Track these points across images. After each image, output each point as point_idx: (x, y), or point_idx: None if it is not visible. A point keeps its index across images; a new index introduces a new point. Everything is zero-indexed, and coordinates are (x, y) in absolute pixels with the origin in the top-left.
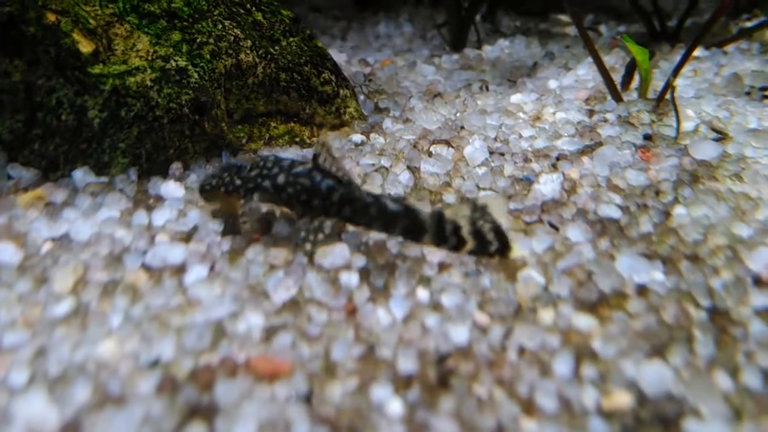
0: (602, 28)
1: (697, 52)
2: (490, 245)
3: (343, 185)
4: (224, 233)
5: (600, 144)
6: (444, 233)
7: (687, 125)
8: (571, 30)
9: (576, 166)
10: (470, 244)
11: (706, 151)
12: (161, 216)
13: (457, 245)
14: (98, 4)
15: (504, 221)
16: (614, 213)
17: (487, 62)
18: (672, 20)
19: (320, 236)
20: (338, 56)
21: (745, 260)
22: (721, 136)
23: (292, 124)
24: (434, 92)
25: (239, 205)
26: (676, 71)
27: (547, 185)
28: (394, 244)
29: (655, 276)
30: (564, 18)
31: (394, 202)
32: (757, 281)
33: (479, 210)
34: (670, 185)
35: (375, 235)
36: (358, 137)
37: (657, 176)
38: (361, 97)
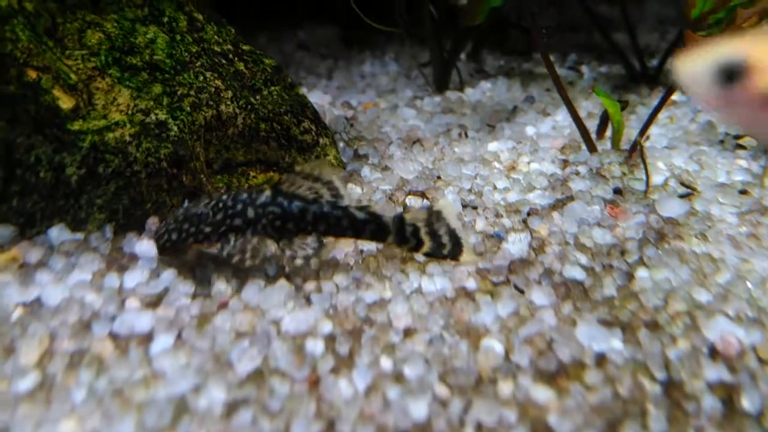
0: (584, 69)
1: (675, 96)
2: (444, 248)
3: (311, 203)
4: (195, 295)
5: (571, 198)
6: (405, 234)
7: (657, 179)
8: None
9: (546, 222)
10: (427, 245)
11: (673, 208)
12: (133, 278)
13: (416, 246)
14: (80, 57)
15: (455, 223)
16: (579, 274)
17: (468, 105)
18: (654, 58)
19: (309, 251)
20: (323, 98)
21: (702, 329)
22: (690, 191)
23: (272, 173)
24: (414, 138)
25: (215, 250)
26: (644, 128)
27: (516, 245)
28: (362, 307)
29: (613, 344)
30: None
31: (360, 211)
32: (713, 352)
33: (435, 214)
34: (636, 244)
35: (343, 298)
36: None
37: (623, 234)
38: (341, 144)
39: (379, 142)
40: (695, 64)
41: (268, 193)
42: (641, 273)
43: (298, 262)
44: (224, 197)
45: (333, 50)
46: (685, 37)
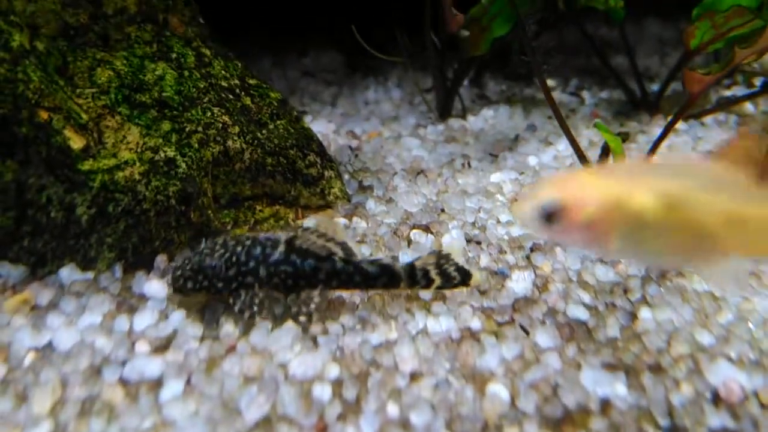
0: (585, 94)
1: (676, 124)
2: (454, 279)
3: (324, 260)
4: (203, 338)
5: None
6: (416, 278)
7: None
8: (555, 96)
9: (549, 258)
10: (437, 281)
11: None
12: (142, 320)
13: (427, 284)
14: (90, 96)
15: (462, 261)
16: (582, 314)
17: (471, 134)
18: (655, 82)
19: (312, 306)
20: (327, 126)
21: (705, 373)
22: None
23: (278, 207)
24: (418, 169)
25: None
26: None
27: (520, 283)
28: (368, 349)
29: (618, 389)
30: (549, 82)
31: (371, 265)
32: (716, 398)
33: (443, 257)
34: (638, 282)
35: (349, 340)
36: (341, 221)
37: (626, 271)
38: (346, 177)
39: (383, 173)
40: (524, 210)
41: (281, 249)
42: (644, 313)
43: (302, 319)
44: (238, 249)
45: (337, 76)
46: (685, 75)
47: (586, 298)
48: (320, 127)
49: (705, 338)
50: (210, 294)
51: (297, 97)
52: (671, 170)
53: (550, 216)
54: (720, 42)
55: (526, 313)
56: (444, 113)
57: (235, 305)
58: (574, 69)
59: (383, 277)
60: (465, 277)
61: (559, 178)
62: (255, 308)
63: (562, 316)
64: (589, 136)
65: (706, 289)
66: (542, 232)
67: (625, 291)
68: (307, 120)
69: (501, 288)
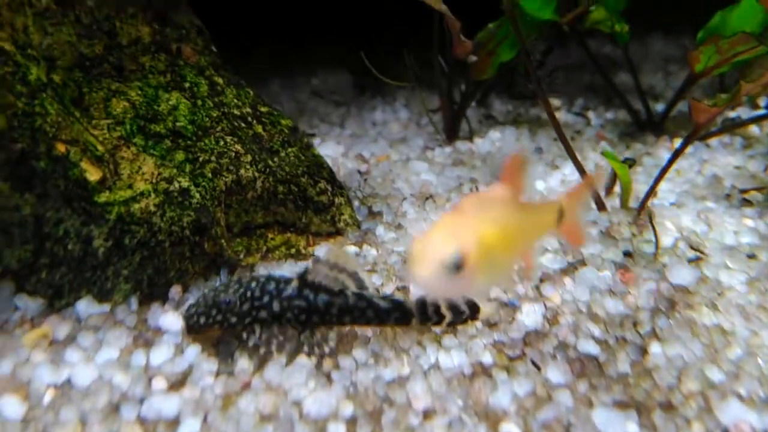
0: (591, 114)
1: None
2: (463, 314)
3: (337, 295)
4: (218, 373)
5: (582, 263)
6: (427, 313)
7: (666, 240)
8: (560, 116)
9: (558, 288)
10: (448, 317)
11: (682, 275)
12: (159, 355)
13: (439, 320)
14: (106, 127)
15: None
16: (593, 349)
17: (478, 157)
18: (659, 101)
19: (326, 349)
20: (336, 149)
21: (715, 411)
22: (699, 255)
23: (289, 234)
24: (426, 194)
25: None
26: (652, 188)
27: (530, 316)
28: (381, 385)
29: (629, 429)
30: (555, 101)
31: (383, 300)
32: None
33: None
34: (648, 314)
35: (362, 376)
36: (352, 248)
37: (635, 302)
38: (356, 203)
39: (392, 198)
40: (429, 269)
41: (294, 284)
42: (654, 347)
43: (314, 360)
44: (252, 285)
45: (345, 96)
46: (692, 106)
47: (596, 331)
48: (329, 150)
49: (715, 375)
50: (223, 329)
51: (306, 119)
52: (486, 202)
53: (457, 268)
54: (725, 67)
55: (537, 347)
56: (451, 135)
57: (249, 341)
58: (579, 87)
59: (395, 313)
60: (473, 311)
61: (435, 231)
62: (270, 346)
63: (573, 351)
64: (595, 159)
65: (715, 323)
66: (448, 286)
67: (635, 324)
68: (316, 143)
69: (511, 321)
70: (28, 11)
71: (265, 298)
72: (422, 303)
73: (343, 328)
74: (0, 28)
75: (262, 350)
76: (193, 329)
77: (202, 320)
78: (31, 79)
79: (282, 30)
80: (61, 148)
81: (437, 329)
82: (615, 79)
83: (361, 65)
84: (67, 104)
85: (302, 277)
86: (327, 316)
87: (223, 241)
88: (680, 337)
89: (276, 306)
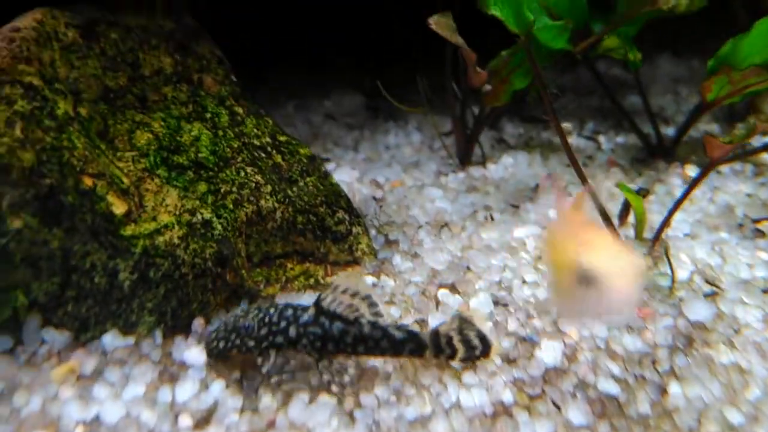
0: (602, 139)
1: (692, 172)
2: (475, 349)
3: (352, 323)
4: (243, 410)
5: None
6: (440, 346)
7: (681, 273)
8: (571, 140)
9: (576, 324)
10: (461, 351)
11: (699, 311)
12: (184, 390)
13: (452, 354)
14: (131, 159)
15: (482, 326)
16: (613, 388)
17: (492, 183)
18: (669, 124)
19: (346, 378)
20: (351, 173)
21: None
22: (715, 290)
23: (308, 264)
24: (441, 222)
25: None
26: (667, 219)
27: (549, 353)
28: (404, 425)
29: None
30: (566, 125)
31: (398, 330)
32: None
33: (465, 322)
34: (666, 352)
35: (385, 415)
36: (369, 279)
37: (653, 339)
38: (372, 232)
39: (407, 226)
40: (632, 284)
41: (311, 311)
42: (673, 387)
43: (335, 389)
44: (271, 311)
45: (358, 119)
46: (706, 142)
47: (616, 369)
48: (344, 175)
49: (735, 417)
50: (241, 353)
51: (320, 143)
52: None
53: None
54: (737, 97)
55: (557, 385)
56: (464, 160)
57: (263, 366)
58: (589, 109)
59: (410, 344)
60: (486, 347)
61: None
62: (284, 375)
63: (593, 390)
64: (608, 187)
65: (733, 361)
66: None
67: (654, 362)
68: (331, 167)
69: (530, 357)
70: (55, 45)
71: (282, 324)
72: (436, 335)
73: (363, 362)
74: (28, 63)
75: (275, 379)
76: (213, 354)
77: (222, 345)
78: (59, 113)
79: (295, 51)
80: (88, 181)
81: (456, 365)
82: (624, 100)
83: (373, 87)
84: (93, 137)
85: (318, 304)
86: (342, 344)
87: (243, 271)
88: (699, 376)
89: (292, 332)
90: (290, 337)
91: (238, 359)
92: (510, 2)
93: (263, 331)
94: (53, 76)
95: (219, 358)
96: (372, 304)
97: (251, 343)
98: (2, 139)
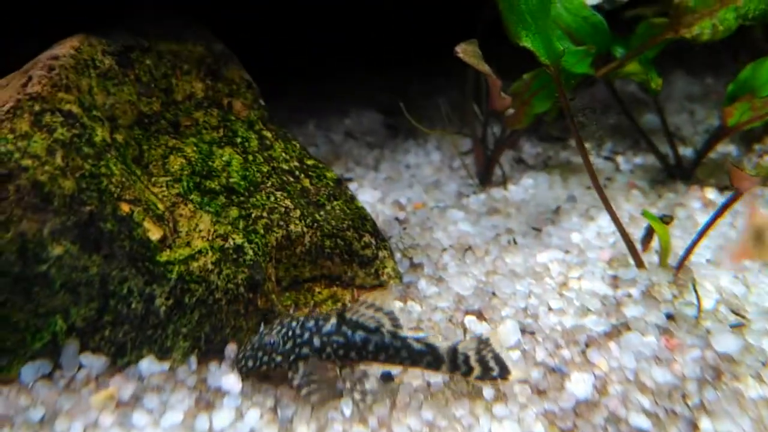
0: (620, 159)
1: (712, 195)
2: (492, 371)
3: (373, 332)
4: None
5: (626, 326)
6: (457, 362)
7: (706, 302)
8: (590, 160)
9: (604, 354)
10: (477, 370)
11: (726, 342)
12: (220, 419)
13: (467, 371)
14: (165, 184)
15: (500, 349)
16: (644, 423)
17: (513, 205)
18: (686, 144)
19: (366, 386)
20: (373, 194)
21: None
22: (741, 321)
23: (335, 288)
24: (465, 246)
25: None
26: (692, 247)
27: (580, 385)
28: None
29: None
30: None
31: (417, 342)
32: None
33: (483, 343)
34: (695, 385)
35: None
36: (396, 304)
37: (682, 371)
38: (397, 255)
39: (431, 249)
40: None
41: (333, 321)
42: (704, 422)
43: (356, 396)
44: (293, 324)
45: (378, 138)
46: (732, 173)
47: (646, 403)
48: (367, 195)
49: None
50: (270, 369)
51: (342, 163)
52: None
53: None
54: (758, 122)
55: (589, 419)
56: (484, 180)
57: (293, 380)
58: (606, 128)
59: (428, 357)
60: (503, 371)
61: None
62: (313, 386)
63: (625, 425)
64: (629, 210)
65: (762, 396)
66: None
67: (684, 396)
68: (354, 188)
69: (560, 388)
70: (92, 73)
71: (306, 335)
72: (454, 352)
73: (395, 391)
74: (67, 90)
75: (305, 391)
76: (243, 372)
77: (250, 363)
78: (97, 140)
79: (313, 68)
80: (125, 208)
81: (488, 393)
82: (641, 118)
83: (391, 104)
84: (128, 163)
85: (341, 314)
86: (364, 352)
87: (273, 295)
88: (728, 411)
89: (317, 342)
90: (315, 347)
91: (274, 382)
92: (541, 34)
93: (288, 345)
94: (91, 104)
95: (249, 375)
96: (393, 318)
97: (279, 359)
98: (44, 168)
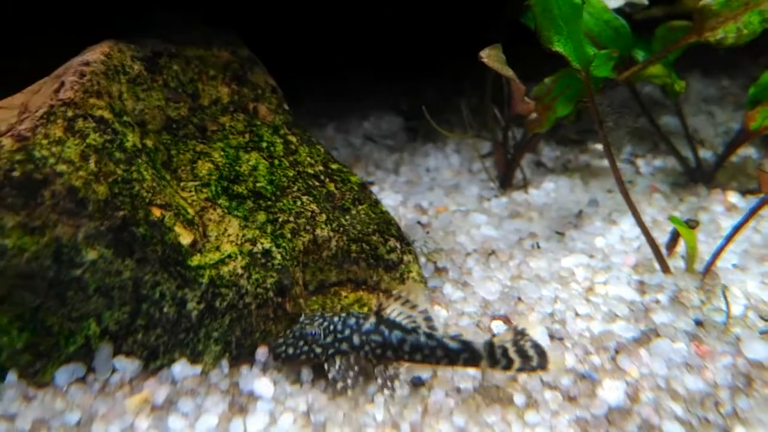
0: (640, 162)
1: (734, 198)
2: (531, 360)
3: (409, 332)
4: None
5: (656, 333)
6: (495, 356)
7: (735, 308)
8: None
9: (635, 361)
10: (517, 362)
11: (756, 350)
12: (254, 423)
13: (508, 365)
14: (194, 189)
15: (538, 337)
16: (678, 431)
17: (535, 208)
18: (705, 146)
19: (397, 384)
20: (395, 198)
21: None
22: None
23: (361, 292)
24: (489, 250)
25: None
26: (719, 251)
27: (612, 392)
28: None
29: None
30: (602, 148)
31: (452, 341)
32: None
33: (519, 333)
34: (727, 393)
35: None
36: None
37: (713, 378)
38: (422, 259)
39: (455, 253)
40: None
41: (372, 320)
42: (738, 431)
43: (386, 392)
44: (335, 320)
45: (397, 141)
46: (761, 177)
47: (679, 410)
48: (389, 199)
49: None
50: (308, 359)
51: (362, 166)
52: None
53: None
54: None
55: (621, 426)
56: (505, 184)
57: (329, 372)
58: (624, 131)
59: (464, 354)
60: (542, 360)
61: None
62: (349, 381)
63: None
64: (652, 214)
65: None
66: None
67: (716, 404)
68: (375, 191)
69: (592, 395)
70: (122, 78)
71: (347, 332)
72: (491, 345)
73: (426, 398)
74: (99, 96)
75: (340, 385)
76: (280, 358)
77: (290, 351)
78: (128, 145)
79: (332, 71)
80: (156, 212)
81: (520, 400)
82: (659, 120)
83: (410, 107)
84: (158, 168)
85: (379, 313)
86: (400, 351)
87: (301, 300)
88: (762, 420)
89: (356, 340)
90: (354, 344)
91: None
92: (572, 39)
93: (329, 339)
94: (121, 109)
95: (286, 363)
96: (428, 318)
97: (318, 350)
98: (78, 173)
